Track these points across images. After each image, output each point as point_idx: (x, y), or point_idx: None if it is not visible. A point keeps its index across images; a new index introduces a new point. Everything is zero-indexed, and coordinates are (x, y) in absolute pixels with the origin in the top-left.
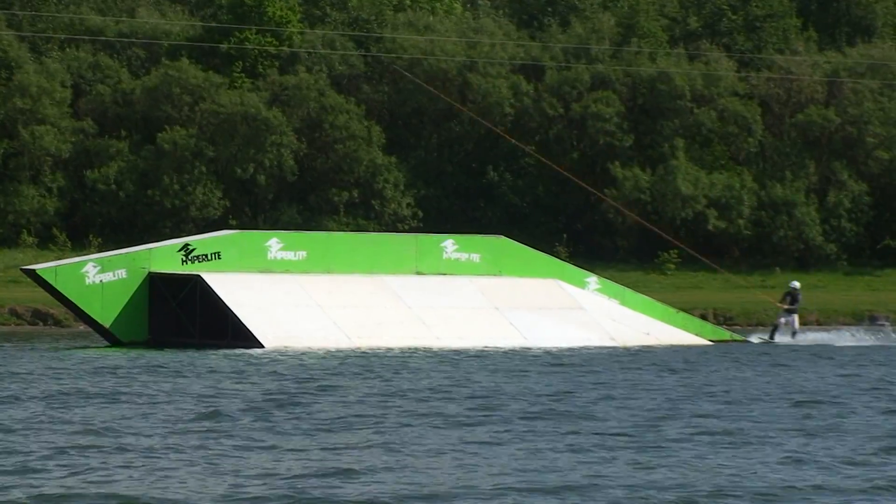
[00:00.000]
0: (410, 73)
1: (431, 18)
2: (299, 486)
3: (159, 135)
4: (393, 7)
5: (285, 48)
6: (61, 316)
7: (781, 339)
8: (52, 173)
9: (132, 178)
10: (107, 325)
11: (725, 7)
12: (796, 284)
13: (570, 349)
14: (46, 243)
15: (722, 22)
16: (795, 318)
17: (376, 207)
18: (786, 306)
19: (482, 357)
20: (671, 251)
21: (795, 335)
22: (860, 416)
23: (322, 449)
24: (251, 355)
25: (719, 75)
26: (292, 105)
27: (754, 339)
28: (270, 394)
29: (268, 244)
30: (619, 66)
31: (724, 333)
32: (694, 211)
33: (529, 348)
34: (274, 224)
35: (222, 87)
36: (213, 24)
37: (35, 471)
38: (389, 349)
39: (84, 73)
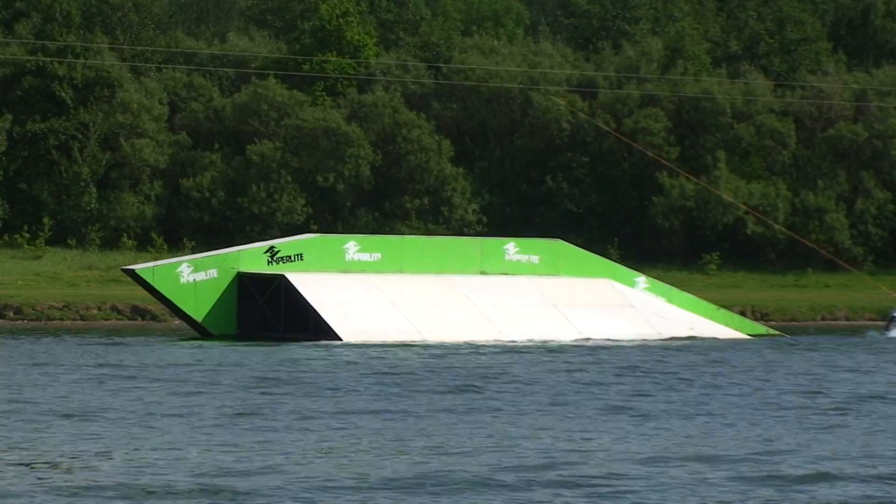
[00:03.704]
0: (476, 93)
1: (496, 43)
2: None
3: (248, 147)
4: (461, 32)
5: (362, 69)
6: (158, 312)
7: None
8: (151, 182)
9: (223, 186)
10: (199, 319)
11: (763, 32)
12: None
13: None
14: (145, 246)
15: (760, 45)
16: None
17: (445, 213)
18: None
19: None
20: (713, 253)
21: None
22: None
23: None
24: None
25: (757, 94)
26: (369, 120)
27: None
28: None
29: (346, 247)
30: (666, 85)
31: (762, 328)
32: (734, 217)
33: (586, 340)
34: (351, 228)
35: (305, 104)
36: (297, 48)
37: None
38: (456, 343)
39: (179, 92)
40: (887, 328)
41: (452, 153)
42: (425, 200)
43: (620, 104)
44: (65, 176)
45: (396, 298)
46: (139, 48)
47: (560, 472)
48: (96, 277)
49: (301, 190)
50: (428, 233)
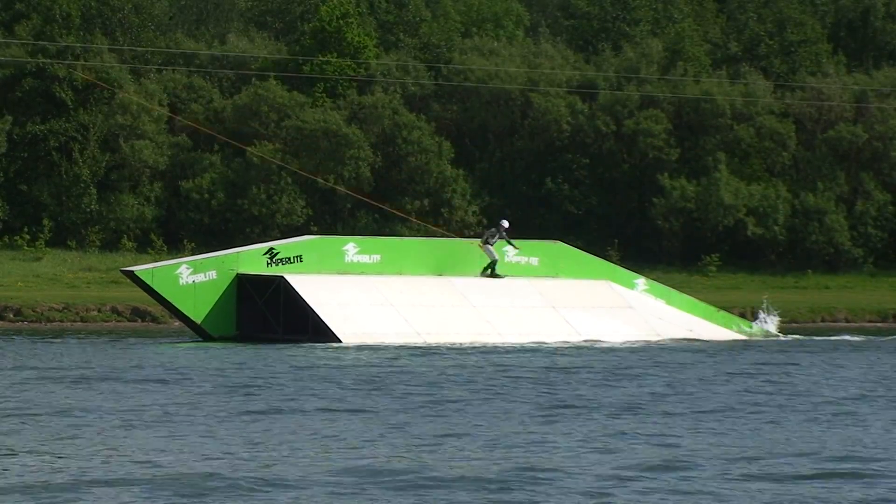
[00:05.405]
0: (476, 94)
1: (496, 44)
2: None
3: (248, 148)
4: (461, 33)
5: (362, 71)
6: (157, 314)
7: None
8: (150, 184)
9: (223, 188)
10: (199, 321)
11: (763, 33)
12: (505, 223)
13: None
14: (144, 247)
15: (760, 47)
16: (491, 248)
17: (445, 215)
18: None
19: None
20: (713, 255)
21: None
22: None
23: None
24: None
25: (757, 95)
26: (369, 122)
27: None
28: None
29: (345, 248)
30: (666, 87)
31: (761, 330)
32: (734, 218)
33: (586, 343)
34: (351, 230)
35: (305, 106)
36: (297, 49)
37: None
38: (455, 344)
39: (179, 93)
40: (487, 242)
41: (453, 154)
42: (425, 202)
43: (620, 106)
44: (65, 177)
45: (396, 300)
46: (139, 50)
47: None
48: (96, 279)
49: (301, 191)
50: (428, 234)
